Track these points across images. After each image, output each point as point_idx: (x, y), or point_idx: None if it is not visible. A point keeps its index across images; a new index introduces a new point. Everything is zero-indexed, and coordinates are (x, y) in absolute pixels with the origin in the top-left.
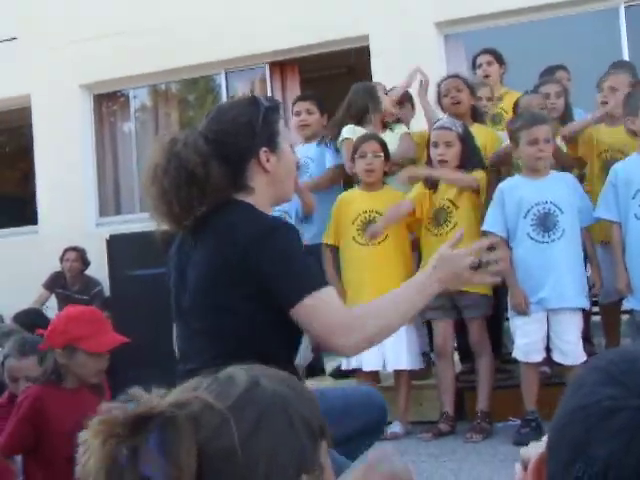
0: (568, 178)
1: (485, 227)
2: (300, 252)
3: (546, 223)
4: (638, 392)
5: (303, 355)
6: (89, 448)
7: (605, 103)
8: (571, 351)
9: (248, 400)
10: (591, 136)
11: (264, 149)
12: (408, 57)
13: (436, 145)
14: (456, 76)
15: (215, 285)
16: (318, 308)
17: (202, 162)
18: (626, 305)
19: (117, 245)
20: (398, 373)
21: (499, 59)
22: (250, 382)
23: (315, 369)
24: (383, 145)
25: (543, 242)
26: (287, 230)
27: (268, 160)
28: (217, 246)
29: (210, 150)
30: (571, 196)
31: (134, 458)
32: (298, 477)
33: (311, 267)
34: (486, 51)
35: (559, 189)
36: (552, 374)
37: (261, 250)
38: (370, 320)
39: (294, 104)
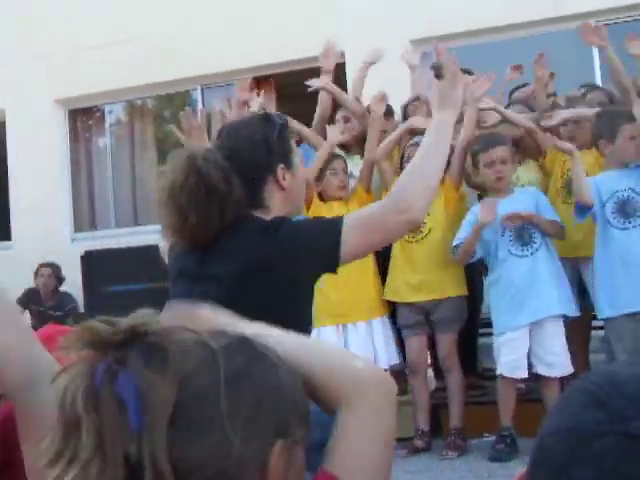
0: (532, 191)
1: (456, 242)
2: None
3: (523, 237)
4: (622, 417)
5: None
6: (67, 360)
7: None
8: (556, 362)
9: (240, 348)
10: (555, 155)
11: (281, 166)
12: (384, 74)
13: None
14: (419, 98)
15: (248, 290)
16: (361, 222)
17: (224, 177)
18: (604, 314)
19: (92, 261)
20: None
21: None
22: (245, 338)
23: None
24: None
25: (523, 256)
26: (289, 219)
27: (284, 177)
28: (243, 256)
29: (230, 166)
30: (539, 207)
31: (112, 377)
32: (274, 438)
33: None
34: (464, 71)
35: (527, 203)
36: (527, 390)
37: (281, 240)
38: (413, 188)
39: None
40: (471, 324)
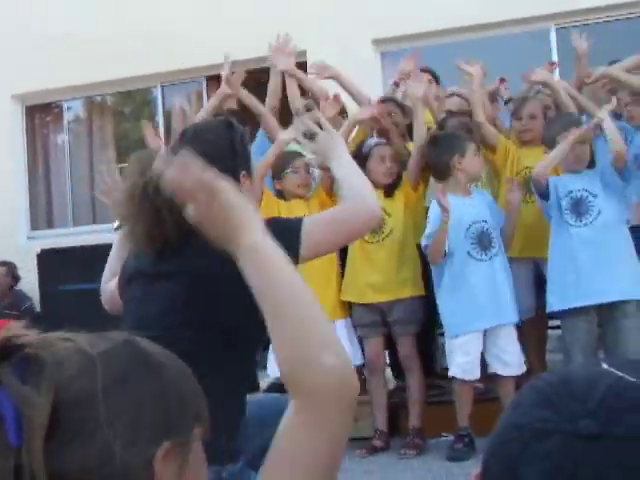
0: (484, 194)
1: (425, 242)
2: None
3: (483, 241)
4: (571, 416)
5: None
6: None
7: (526, 131)
8: (511, 361)
9: (121, 353)
10: (507, 150)
11: (243, 172)
12: (345, 73)
13: (383, 160)
14: (389, 99)
15: (207, 288)
16: (322, 221)
17: None
18: (552, 308)
19: (48, 260)
20: None
21: (437, 79)
22: (128, 340)
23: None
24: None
25: (482, 260)
26: None
27: (244, 183)
28: (203, 254)
29: None
30: (492, 211)
31: None
32: (160, 440)
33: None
34: (425, 70)
35: (485, 206)
36: (485, 390)
37: None
38: (362, 192)
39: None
40: (429, 324)
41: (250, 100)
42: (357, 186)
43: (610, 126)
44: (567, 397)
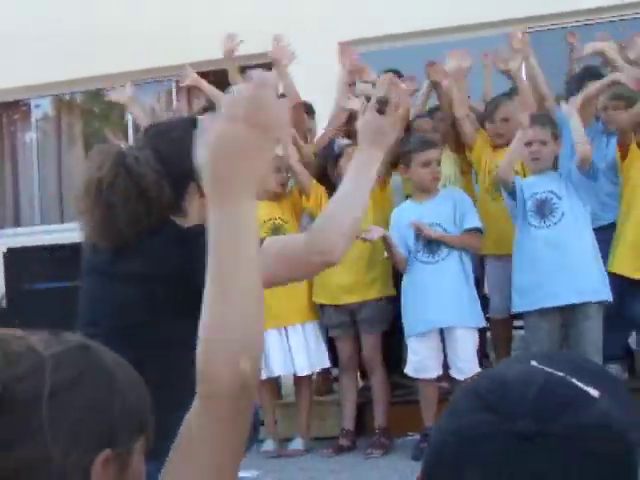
0: (455, 193)
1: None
2: None
3: (431, 245)
4: (509, 417)
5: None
6: None
7: (500, 135)
8: (467, 367)
9: (74, 357)
10: (480, 152)
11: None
12: (311, 75)
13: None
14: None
15: (161, 293)
16: (279, 249)
17: (156, 180)
18: (516, 309)
19: (14, 258)
20: (299, 385)
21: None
22: (84, 345)
23: None
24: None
25: (428, 263)
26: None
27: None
28: (159, 259)
29: (160, 168)
30: (458, 211)
31: None
32: (101, 448)
33: None
34: (392, 72)
35: (446, 208)
36: (450, 390)
37: (198, 249)
38: (337, 230)
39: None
40: (396, 323)
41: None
42: (343, 217)
43: (577, 128)
44: (502, 398)
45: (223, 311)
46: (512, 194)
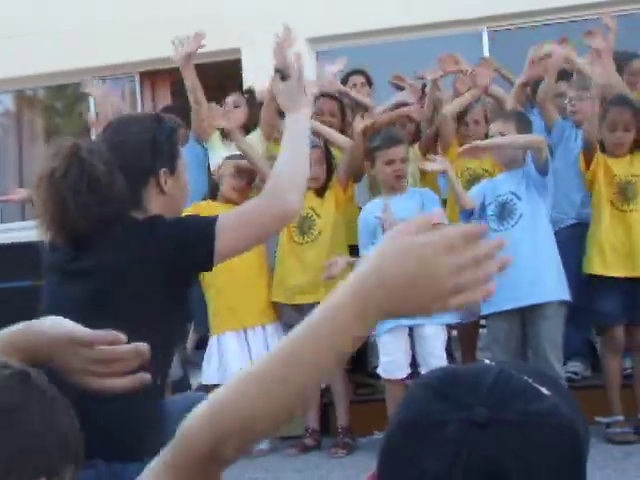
0: (425, 194)
1: (361, 250)
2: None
3: None
4: (463, 405)
5: (172, 371)
6: None
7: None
8: (438, 365)
9: (14, 385)
10: (452, 153)
11: (164, 170)
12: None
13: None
14: (329, 96)
15: (121, 287)
16: (236, 218)
17: (108, 171)
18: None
19: None
20: None
21: (369, 81)
22: (24, 373)
23: (182, 385)
24: None
25: None
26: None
27: (166, 182)
28: (117, 253)
29: (114, 161)
30: (426, 209)
31: None
32: (37, 477)
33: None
34: (359, 72)
35: (413, 205)
36: None
37: (158, 237)
38: (284, 180)
39: None
40: None
41: (196, 85)
42: (290, 167)
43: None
44: (458, 388)
45: (292, 161)
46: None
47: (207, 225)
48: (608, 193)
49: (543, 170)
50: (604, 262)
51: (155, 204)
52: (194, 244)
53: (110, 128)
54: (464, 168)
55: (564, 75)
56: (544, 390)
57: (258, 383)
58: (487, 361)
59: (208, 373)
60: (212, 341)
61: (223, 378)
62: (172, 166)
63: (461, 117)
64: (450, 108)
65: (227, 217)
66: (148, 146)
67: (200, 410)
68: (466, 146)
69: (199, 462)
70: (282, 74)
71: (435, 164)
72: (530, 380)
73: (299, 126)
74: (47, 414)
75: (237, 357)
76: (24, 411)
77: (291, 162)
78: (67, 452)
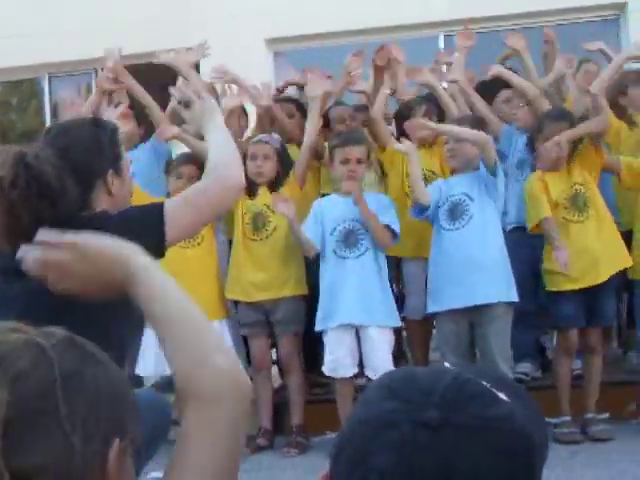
0: (379, 198)
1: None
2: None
3: (349, 240)
4: (416, 407)
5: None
6: None
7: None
8: (381, 366)
9: (70, 346)
10: (394, 155)
11: (111, 171)
12: (238, 72)
13: (254, 158)
14: (284, 100)
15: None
16: (183, 200)
17: (57, 175)
18: (428, 309)
19: None
20: None
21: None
22: (70, 336)
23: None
24: None
25: (346, 258)
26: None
27: (113, 183)
28: None
29: (62, 165)
30: (378, 212)
31: None
32: (112, 437)
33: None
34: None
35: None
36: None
37: (107, 231)
38: (223, 159)
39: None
40: (314, 322)
41: (137, 90)
42: (223, 152)
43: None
44: (413, 389)
45: (180, 341)
46: (425, 208)
47: (154, 212)
48: (557, 209)
49: (492, 171)
50: (557, 279)
51: (102, 206)
52: (144, 232)
53: (50, 134)
54: (407, 171)
55: (505, 83)
56: (502, 396)
57: None
58: (447, 364)
59: (144, 364)
60: (150, 331)
61: (163, 370)
62: (117, 167)
63: (407, 117)
64: (375, 108)
65: (175, 202)
66: (93, 149)
67: None
68: (412, 120)
69: None
70: (185, 105)
71: (401, 145)
72: (489, 385)
73: (216, 133)
74: (104, 375)
75: None
76: (87, 372)
77: (223, 147)
78: (130, 411)
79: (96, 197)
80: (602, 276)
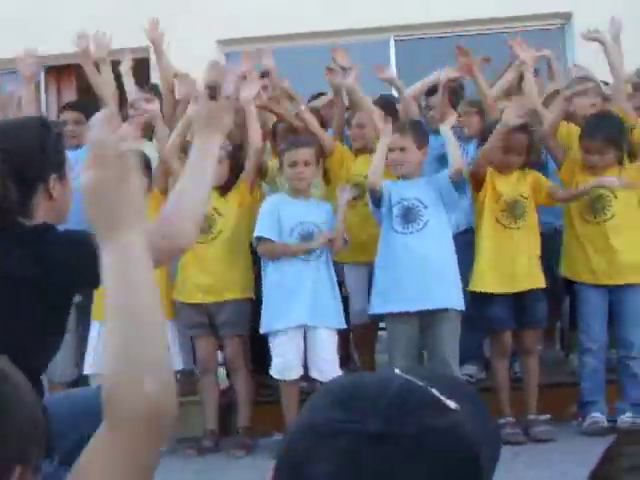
0: (327, 207)
1: (259, 233)
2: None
3: (307, 240)
4: (360, 417)
5: (62, 372)
6: None
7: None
8: (327, 368)
9: None
10: (341, 160)
11: (54, 175)
12: (190, 72)
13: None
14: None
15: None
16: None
17: (1, 181)
18: (373, 310)
19: None
20: None
21: None
22: None
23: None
24: None
25: (302, 260)
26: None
27: (55, 188)
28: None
29: (4, 169)
30: (327, 221)
31: None
32: (14, 464)
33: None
34: (268, 74)
35: (319, 212)
36: (311, 390)
37: (42, 249)
38: (184, 213)
39: (60, 112)
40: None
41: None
42: (190, 198)
43: (452, 141)
44: (357, 398)
45: (122, 342)
46: (378, 200)
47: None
48: (495, 210)
49: (459, 187)
50: (485, 281)
51: (42, 210)
52: (79, 261)
53: None
54: (353, 174)
55: (434, 90)
56: (452, 404)
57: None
58: (397, 371)
59: (88, 363)
60: (93, 331)
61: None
62: (60, 171)
63: (348, 120)
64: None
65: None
66: (38, 152)
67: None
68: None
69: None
70: (212, 92)
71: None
72: (440, 392)
73: (209, 157)
74: (16, 400)
75: None
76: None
77: (196, 190)
78: (37, 437)
79: (36, 202)
80: (518, 286)
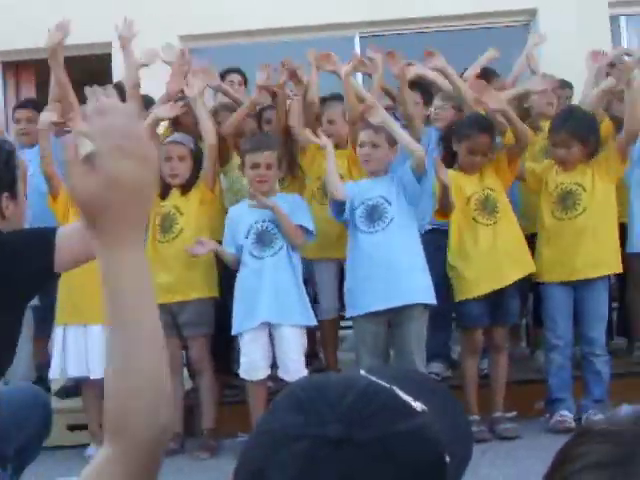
0: (291, 197)
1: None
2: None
3: (264, 240)
4: (320, 421)
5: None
6: None
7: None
8: (293, 367)
9: None
10: (312, 156)
11: (6, 195)
12: (151, 68)
13: (169, 159)
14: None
15: None
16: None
17: None
18: (349, 313)
19: None
20: None
21: (246, 80)
22: None
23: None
24: None
25: (259, 258)
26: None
27: (7, 207)
28: None
29: None
30: (294, 213)
31: None
32: None
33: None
34: (235, 70)
35: (282, 207)
36: (278, 390)
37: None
38: None
39: (14, 110)
40: (227, 323)
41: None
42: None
43: (398, 131)
44: (319, 402)
45: (137, 360)
46: (342, 206)
47: (46, 242)
48: (467, 209)
49: (420, 179)
50: (463, 281)
51: (11, 212)
52: (34, 256)
53: None
54: (321, 173)
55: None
56: (418, 405)
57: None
58: (362, 372)
59: (53, 368)
60: (58, 336)
61: (64, 373)
62: (13, 190)
63: (319, 116)
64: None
65: (66, 232)
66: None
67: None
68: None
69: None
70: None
71: (317, 139)
72: (406, 392)
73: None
74: None
75: (74, 354)
76: None
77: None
78: None
79: (5, 206)
80: (506, 280)
